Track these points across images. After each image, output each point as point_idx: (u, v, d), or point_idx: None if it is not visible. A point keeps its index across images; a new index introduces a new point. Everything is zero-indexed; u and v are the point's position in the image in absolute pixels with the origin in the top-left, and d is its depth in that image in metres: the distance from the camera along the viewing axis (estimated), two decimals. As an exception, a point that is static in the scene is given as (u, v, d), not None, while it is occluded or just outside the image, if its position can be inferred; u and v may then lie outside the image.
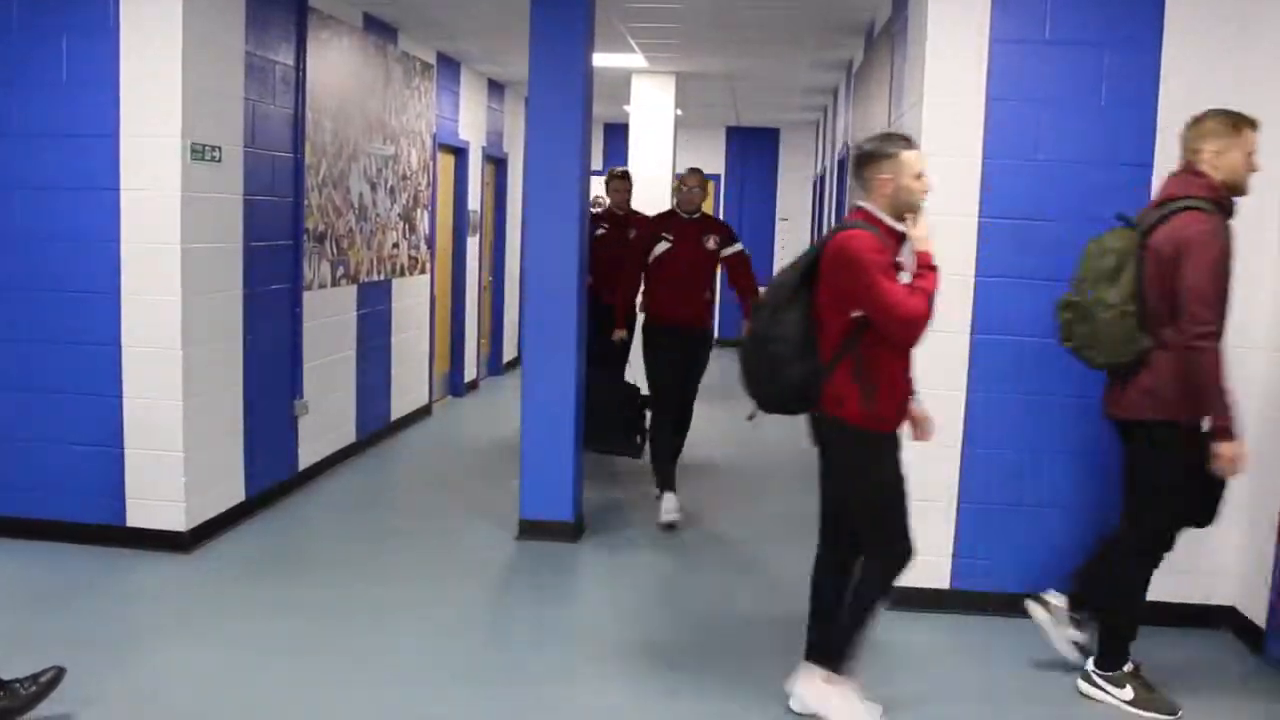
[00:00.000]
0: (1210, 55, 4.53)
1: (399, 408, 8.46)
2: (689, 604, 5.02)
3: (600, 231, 7.17)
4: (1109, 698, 4.01)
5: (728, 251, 6.45)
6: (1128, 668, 4.04)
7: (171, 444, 5.28)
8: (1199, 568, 4.73)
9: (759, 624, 4.76)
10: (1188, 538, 4.56)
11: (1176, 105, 4.53)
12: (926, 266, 3.54)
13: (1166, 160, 4.55)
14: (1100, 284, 3.83)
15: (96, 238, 5.20)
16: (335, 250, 7.06)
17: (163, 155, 5.12)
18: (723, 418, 8.31)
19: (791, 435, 8.60)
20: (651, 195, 9.99)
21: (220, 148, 5.46)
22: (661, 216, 6.57)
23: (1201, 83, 4.52)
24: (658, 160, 10.07)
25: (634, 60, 9.22)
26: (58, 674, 3.55)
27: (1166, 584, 4.73)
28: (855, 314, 3.50)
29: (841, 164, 9.28)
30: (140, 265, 5.19)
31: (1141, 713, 3.95)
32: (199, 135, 5.26)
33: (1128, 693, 3.99)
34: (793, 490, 7.08)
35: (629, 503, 6.67)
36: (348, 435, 7.47)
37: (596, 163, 14.11)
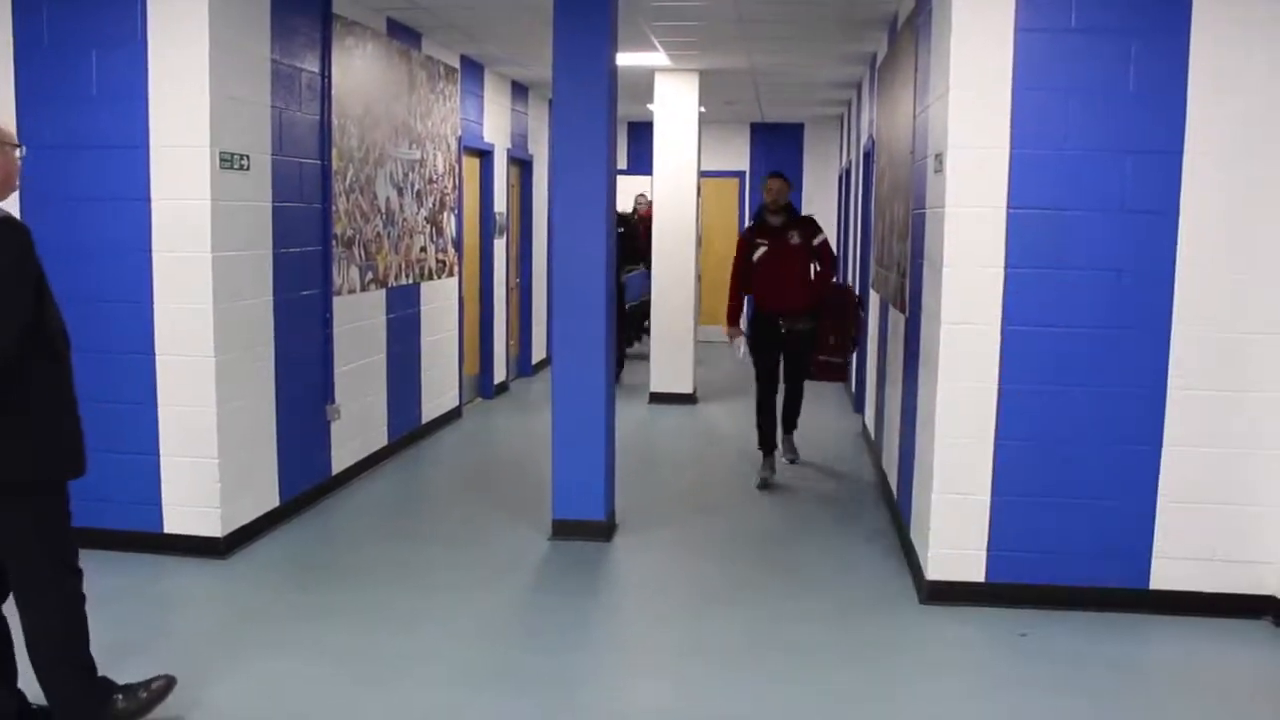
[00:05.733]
0: (1240, 40, 4.48)
1: (430, 410, 8.49)
2: (723, 602, 5.02)
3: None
4: None
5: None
6: None
7: (206, 450, 5.32)
8: (1241, 557, 4.68)
9: (795, 621, 4.75)
10: (1229, 529, 4.56)
11: (1206, 92, 4.50)
12: None
13: (1196, 147, 4.52)
14: None
15: (128, 248, 5.25)
16: (364, 255, 7.10)
17: (192, 165, 5.16)
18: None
19: (830, 440, 8.59)
20: (677, 194, 10.01)
21: (248, 156, 5.50)
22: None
23: (1231, 69, 4.48)
24: (682, 158, 10.06)
25: (657, 59, 9.22)
26: (169, 683, 3.66)
27: (1208, 573, 4.72)
28: None
29: (867, 157, 9.25)
30: (172, 274, 5.24)
31: None
32: (227, 144, 5.30)
33: None
34: (828, 490, 7.06)
35: (662, 501, 6.68)
36: (379, 439, 7.50)
37: (621, 162, 14.10)
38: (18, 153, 3.28)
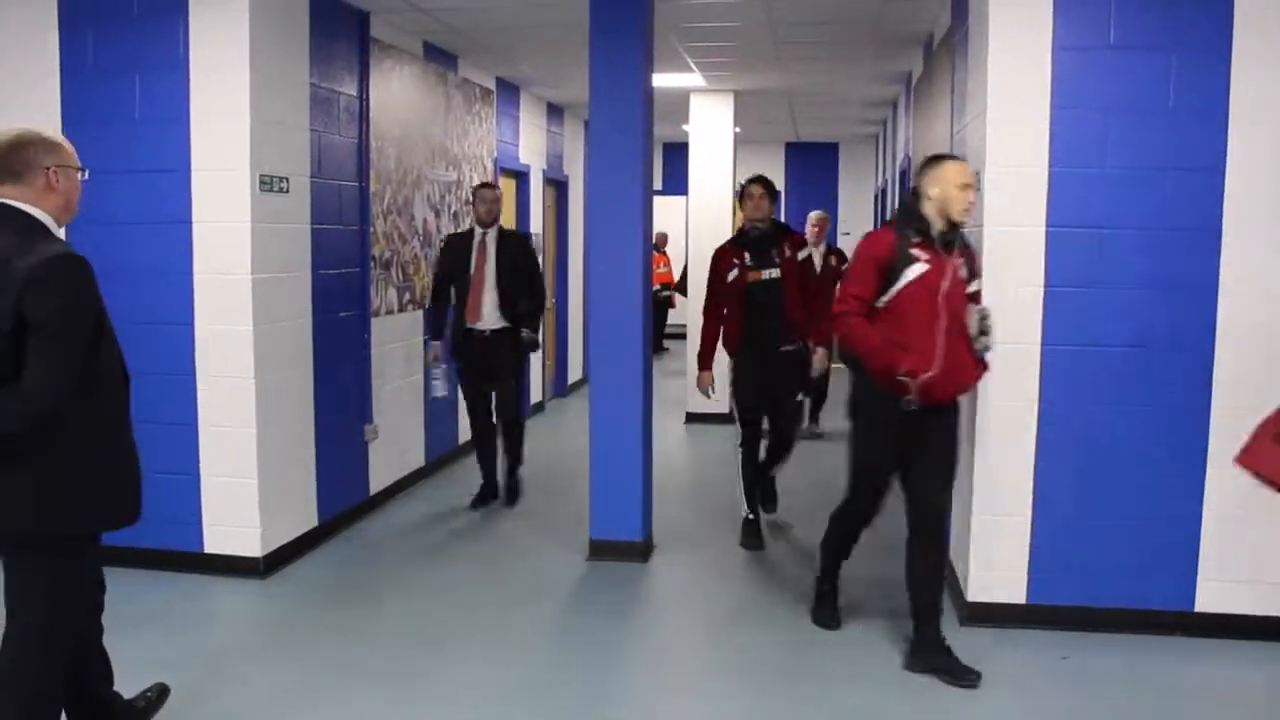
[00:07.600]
0: (1282, 55, 4.44)
1: (467, 431, 8.49)
2: (760, 624, 4.98)
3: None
4: None
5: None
6: None
7: (246, 471, 5.36)
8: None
9: (831, 643, 4.71)
10: (1276, 550, 4.48)
11: (1248, 108, 4.45)
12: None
13: (1238, 165, 4.47)
14: None
15: (170, 270, 5.31)
16: (401, 276, 7.14)
17: (233, 188, 5.22)
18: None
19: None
20: (712, 214, 10.00)
21: (288, 179, 5.56)
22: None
23: (1273, 84, 4.43)
24: (718, 179, 10.06)
25: (692, 79, 9.24)
26: (163, 691, 3.71)
27: (1254, 596, 4.64)
28: None
29: (903, 176, 9.21)
30: (213, 296, 5.29)
31: None
32: (267, 167, 5.36)
33: None
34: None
35: (698, 522, 6.65)
36: (417, 459, 7.53)
37: (657, 183, 14.14)
38: (80, 176, 3.17)
